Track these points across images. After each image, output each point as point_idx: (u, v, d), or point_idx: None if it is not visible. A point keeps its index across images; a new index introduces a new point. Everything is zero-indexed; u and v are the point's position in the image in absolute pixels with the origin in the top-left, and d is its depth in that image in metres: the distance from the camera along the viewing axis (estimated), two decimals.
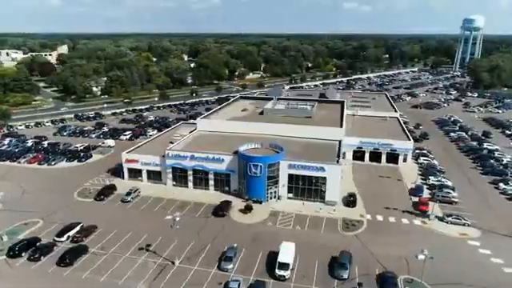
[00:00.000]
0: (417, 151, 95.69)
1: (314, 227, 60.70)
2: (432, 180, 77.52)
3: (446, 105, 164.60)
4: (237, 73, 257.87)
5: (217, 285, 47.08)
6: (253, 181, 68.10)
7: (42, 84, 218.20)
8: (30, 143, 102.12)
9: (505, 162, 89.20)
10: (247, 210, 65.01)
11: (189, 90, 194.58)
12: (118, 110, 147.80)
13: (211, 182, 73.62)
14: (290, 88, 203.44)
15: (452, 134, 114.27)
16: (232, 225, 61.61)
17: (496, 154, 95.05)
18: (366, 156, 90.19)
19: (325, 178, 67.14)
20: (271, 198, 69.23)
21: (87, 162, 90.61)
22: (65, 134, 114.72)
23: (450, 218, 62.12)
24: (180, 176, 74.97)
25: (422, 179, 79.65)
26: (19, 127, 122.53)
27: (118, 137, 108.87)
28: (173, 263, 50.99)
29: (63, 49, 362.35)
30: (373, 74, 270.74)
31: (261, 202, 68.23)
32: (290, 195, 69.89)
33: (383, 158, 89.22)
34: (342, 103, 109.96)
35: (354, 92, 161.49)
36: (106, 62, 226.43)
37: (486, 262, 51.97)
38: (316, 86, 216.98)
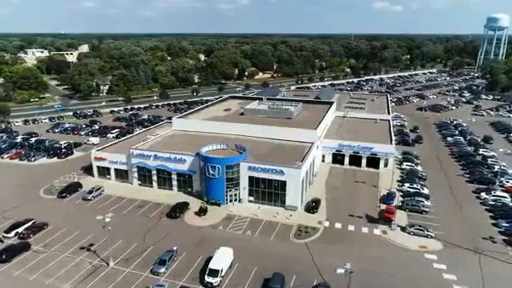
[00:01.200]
0: (403, 156, 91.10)
1: (265, 233, 58.33)
2: (407, 187, 73.18)
3: (454, 107, 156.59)
4: (246, 73, 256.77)
5: (151, 287, 45.84)
6: (211, 182, 66.44)
7: (55, 82, 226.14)
8: (19, 139, 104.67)
9: (496, 169, 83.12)
10: (201, 212, 63.43)
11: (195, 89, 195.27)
12: (116, 109, 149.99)
13: (174, 183, 72.57)
14: (296, 88, 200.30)
15: (449, 139, 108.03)
16: (182, 227, 60.20)
17: (489, 160, 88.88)
18: (346, 159, 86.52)
19: (285, 182, 64.58)
20: (231, 201, 67.36)
21: (67, 159, 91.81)
22: (57, 131, 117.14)
23: (412, 229, 58.10)
24: (145, 175, 74.35)
25: (399, 186, 75.44)
26: (17, 124, 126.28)
27: (105, 135, 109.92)
28: (108, 264, 50.22)
29: (84, 48, 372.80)
30: (386, 75, 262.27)
31: (219, 205, 66.48)
32: (251, 198, 67.73)
33: (363, 161, 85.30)
34: (330, 104, 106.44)
35: (354, 93, 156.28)
36: (114, 61, 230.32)
37: (437, 278, 48.04)
38: (324, 86, 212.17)
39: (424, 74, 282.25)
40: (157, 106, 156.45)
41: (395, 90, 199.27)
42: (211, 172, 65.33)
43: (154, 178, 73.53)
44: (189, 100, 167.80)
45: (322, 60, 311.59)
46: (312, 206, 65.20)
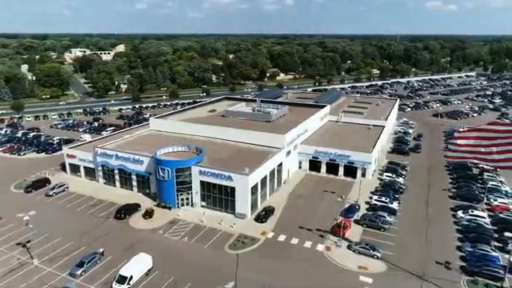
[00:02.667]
0: (387, 165, 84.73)
1: (202, 240, 56.24)
2: (374, 200, 67.60)
3: (476, 114, 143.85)
4: (268, 74, 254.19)
5: None
6: (162, 185, 65.42)
7: (84, 80, 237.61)
8: (19, 134, 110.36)
9: (489, 185, 74.61)
10: (147, 215, 62.54)
11: (212, 89, 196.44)
12: (124, 107, 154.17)
13: (134, 183, 72.43)
14: (313, 90, 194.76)
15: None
16: (123, 229, 59.62)
17: (486, 175, 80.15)
18: (323, 167, 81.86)
19: (234, 189, 61.98)
20: (183, 205, 65.87)
21: (53, 154, 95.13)
22: (59, 127, 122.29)
23: (357, 247, 53.28)
24: (109, 174, 74.94)
25: (370, 198, 69.89)
26: (27, 119, 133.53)
27: (100, 132, 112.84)
28: (33, 262, 50.74)
29: (120, 48, 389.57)
30: (416, 78, 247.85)
31: (170, 208, 65.26)
32: (204, 203, 65.85)
33: (341, 170, 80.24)
34: (321, 108, 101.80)
35: (361, 97, 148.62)
36: (139, 60, 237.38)
37: None
38: (343, 89, 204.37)
39: (460, 77, 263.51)
40: (165, 106, 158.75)
41: (418, 94, 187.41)
42: (161, 174, 64.30)
43: (117, 177, 73.89)
44: (198, 100, 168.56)
45: (353, 61, 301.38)
46: (262, 215, 62.05)
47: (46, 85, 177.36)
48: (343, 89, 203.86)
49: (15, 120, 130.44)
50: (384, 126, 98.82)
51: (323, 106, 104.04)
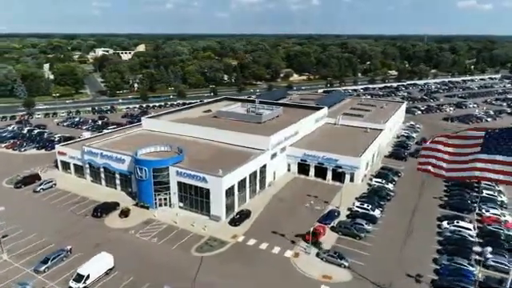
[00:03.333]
0: (379, 171, 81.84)
1: (170, 242, 55.96)
2: (356, 206, 65.27)
3: (490, 119, 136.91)
4: (282, 74, 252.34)
5: (14, 284, 46.50)
6: (141, 185, 65.71)
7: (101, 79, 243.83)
8: (25, 130, 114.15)
9: (484, 194, 70.65)
10: (122, 214, 62.91)
11: (221, 89, 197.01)
12: (131, 106, 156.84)
13: (117, 182, 73.15)
14: (324, 92, 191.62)
15: None
16: (97, 227, 60.16)
17: (482, 183, 75.82)
18: (312, 170, 79.98)
19: (209, 190, 61.41)
20: (161, 205, 65.88)
21: (52, 151, 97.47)
22: (65, 124, 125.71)
23: (325, 255, 51.49)
24: (95, 172, 76.09)
25: (353, 204, 67.54)
26: (37, 116, 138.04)
27: (101, 130, 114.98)
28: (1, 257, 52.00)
29: (141, 48, 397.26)
30: (434, 80, 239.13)
31: (148, 208, 65.42)
32: (181, 204, 65.64)
33: (329, 174, 78.13)
34: (317, 110, 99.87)
35: (366, 98, 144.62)
36: (154, 60, 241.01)
37: None
38: (355, 90, 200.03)
39: (482, 79, 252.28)
40: (171, 105, 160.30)
41: (433, 97, 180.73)
42: (139, 174, 64.57)
43: (102, 175, 74.89)
44: (205, 100, 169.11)
45: (371, 62, 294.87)
46: (237, 218, 61.19)
47: (60, 83, 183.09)
48: (355, 90, 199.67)
49: (26, 117, 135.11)
50: (382, 130, 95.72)
51: (320, 108, 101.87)
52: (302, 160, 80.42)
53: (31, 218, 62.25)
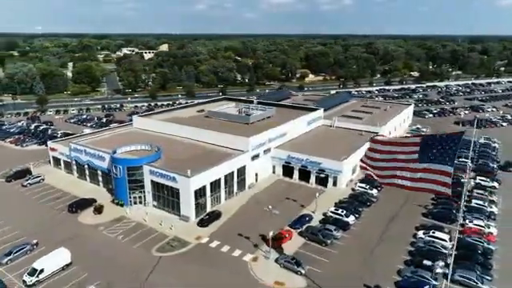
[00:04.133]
0: (365, 176, 78.84)
1: (134, 240, 56.29)
2: (330, 212, 63.18)
3: (505, 124, 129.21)
4: (298, 74, 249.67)
5: None
6: (116, 182, 66.62)
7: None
8: (32, 127, 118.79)
9: (472, 204, 66.54)
10: (96, 210, 63.94)
11: (231, 89, 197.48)
12: (139, 104, 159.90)
13: (100, 179, 74.51)
14: (336, 93, 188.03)
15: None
16: (69, 223, 61.40)
17: (475, 192, 71.60)
18: (296, 173, 78.32)
19: (179, 190, 61.36)
20: (136, 203, 66.48)
21: None
22: (72, 121, 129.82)
23: (282, 260, 50.11)
24: (81, 169, 77.89)
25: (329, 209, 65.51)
26: (49, 113, 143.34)
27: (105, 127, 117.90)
28: None
29: (164, 47, 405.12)
30: (456, 82, 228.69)
31: (122, 205, 66.20)
32: (155, 203, 65.99)
33: (312, 177, 76.20)
34: (311, 111, 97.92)
35: (372, 100, 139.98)
36: (171, 59, 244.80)
37: None
38: (369, 91, 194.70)
39: (510, 82, 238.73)
40: (179, 104, 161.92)
41: (451, 100, 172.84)
42: (115, 171, 65.50)
43: (87, 172, 76.56)
44: (213, 99, 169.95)
45: (392, 63, 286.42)
46: (205, 219, 60.79)
47: (76, 81, 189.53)
48: (370, 92, 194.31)
49: (36, 113, 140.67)
50: (377, 133, 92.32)
51: (315, 110, 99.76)
52: (286, 162, 78.93)
53: (12, 211, 64.53)
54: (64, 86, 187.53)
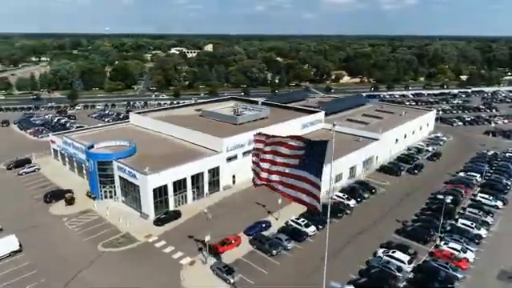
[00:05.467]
0: (349, 185, 73.68)
1: (88, 234, 57.51)
2: (291, 220, 59.72)
3: None
4: (333, 76, 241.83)
5: None
6: (90, 176, 68.78)
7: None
8: (55, 119, 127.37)
9: (458, 224, 59.11)
10: (66, 202, 66.42)
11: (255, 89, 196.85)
12: (162, 102, 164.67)
13: (85, 172, 77.40)
14: (367, 96, 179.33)
15: (460, 174, 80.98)
16: (39, 212, 64.22)
17: (468, 211, 63.59)
18: None
19: (139, 187, 61.77)
20: (107, 197, 68.14)
21: None
22: (94, 116, 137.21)
23: (215, 267, 48.09)
24: (71, 161, 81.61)
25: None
26: (78, 107, 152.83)
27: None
28: None
29: (208, 47, 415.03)
30: (507, 88, 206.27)
31: (94, 198, 68.19)
32: (123, 199, 67.09)
33: None
34: (312, 114, 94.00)
35: (389, 105, 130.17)
36: (206, 59, 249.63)
37: None
38: (403, 96, 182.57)
39: None
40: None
41: (492, 107, 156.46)
42: (87, 165, 67.70)
43: (75, 164, 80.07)
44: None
45: (436, 66, 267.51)
46: (162, 218, 60.55)
47: (113, 79, 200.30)
48: (403, 96, 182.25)
49: (65, 108, 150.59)
50: (377, 140, 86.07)
51: (314, 112, 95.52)
52: None
53: None
54: (101, 83, 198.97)
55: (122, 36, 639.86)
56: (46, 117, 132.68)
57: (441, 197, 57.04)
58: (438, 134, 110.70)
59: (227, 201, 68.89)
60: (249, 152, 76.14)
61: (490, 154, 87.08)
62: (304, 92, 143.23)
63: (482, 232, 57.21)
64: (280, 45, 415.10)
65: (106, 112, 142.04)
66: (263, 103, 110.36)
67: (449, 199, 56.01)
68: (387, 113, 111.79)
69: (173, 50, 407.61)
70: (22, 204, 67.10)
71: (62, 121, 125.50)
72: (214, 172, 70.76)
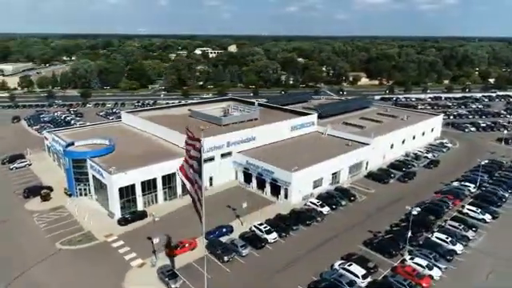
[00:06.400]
0: (326, 192, 70.48)
1: (52, 231, 57.97)
2: (254, 226, 57.73)
3: None
4: (351, 78, 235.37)
5: None
6: (66, 173, 69.88)
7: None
8: (63, 117, 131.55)
9: (433, 237, 54.87)
10: (41, 198, 67.70)
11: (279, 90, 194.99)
12: (170, 101, 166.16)
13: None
14: (381, 99, 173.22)
15: (454, 184, 75.69)
16: (15, 207, 65.76)
17: (448, 224, 58.96)
18: (254, 181, 73.55)
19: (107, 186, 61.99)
20: (81, 195, 69.01)
21: None
22: (101, 114, 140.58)
23: (160, 271, 47.11)
24: (58, 158, 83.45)
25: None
26: (88, 105, 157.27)
27: None
28: None
29: (232, 48, 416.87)
30: None
31: (70, 195, 69.22)
32: (96, 197, 67.64)
33: (267, 186, 70.75)
34: (302, 116, 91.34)
35: (394, 108, 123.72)
36: (221, 59, 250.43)
37: None
38: (420, 99, 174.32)
39: None
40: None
41: None
42: (63, 162, 68.81)
43: (61, 161, 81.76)
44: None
45: (475, 66, 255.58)
46: (126, 218, 60.37)
47: (129, 78, 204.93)
48: (420, 99, 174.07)
49: (75, 106, 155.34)
50: (367, 145, 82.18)
51: (309, 114, 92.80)
52: (245, 168, 74.58)
53: None
54: (117, 82, 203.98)
55: (155, 36, 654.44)
56: (55, 114, 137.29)
57: (408, 208, 52.91)
58: (444, 140, 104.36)
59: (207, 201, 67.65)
60: (228, 154, 75.32)
61: (483, 163, 79.75)
62: (308, 94, 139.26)
63: (458, 248, 52.77)
64: (304, 46, 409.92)
65: (114, 110, 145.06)
66: (260, 104, 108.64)
67: (415, 211, 51.75)
68: (389, 116, 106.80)
69: (197, 51, 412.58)
70: (3, 198, 69.13)
71: (68, 118, 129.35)
72: None
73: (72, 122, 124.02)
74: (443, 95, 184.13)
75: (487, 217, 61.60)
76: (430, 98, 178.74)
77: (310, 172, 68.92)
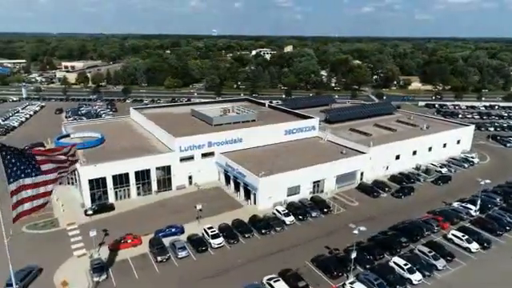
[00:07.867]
0: (300, 200, 66.35)
1: (31, 220, 62.25)
2: (203, 229, 56.43)
3: None
4: (401, 82, 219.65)
5: None
6: None
7: None
8: (97, 111, 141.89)
9: (390, 263, 48.71)
10: None
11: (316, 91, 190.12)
12: (203, 100, 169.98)
13: None
14: (425, 105, 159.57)
15: (454, 204, 66.46)
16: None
17: (417, 249, 51.82)
18: (232, 183, 72.14)
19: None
20: (69, 183, 73.44)
21: None
22: None
23: (91, 264, 48.32)
24: None
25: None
26: (128, 101, 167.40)
27: None
28: None
29: (288, 48, 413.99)
30: None
31: (60, 183, 74.01)
32: (78, 187, 71.58)
33: (241, 190, 68.95)
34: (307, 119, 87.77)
35: (417, 116, 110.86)
36: (265, 60, 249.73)
37: None
38: (472, 107, 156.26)
39: None
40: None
41: None
42: None
43: None
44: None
45: None
46: (91, 209, 63.06)
47: (173, 76, 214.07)
48: (472, 107, 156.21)
49: (113, 101, 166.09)
50: (364, 154, 75.97)
51: (309, 117, 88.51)
52: (225, 170, 73.42)
53: None
54: (163, 80, 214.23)
55: (225, 37, 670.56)
56: (93, 108, 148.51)
57: (352, 226, 47.29)
58: (471, 155, 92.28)
59: (170, 201, 68.35)
60: (210, 154, 74.93)
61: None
62: (330, 97, 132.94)
63: (415, 277, 46.21)
64: (365, 47, 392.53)
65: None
66: (269, 106, 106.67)
67: (361, 228, 45.95)
68: (408, 125, 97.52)
69: (253, 52, 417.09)
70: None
71: (101, 112, 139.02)
72: (165, 170, 70.81)
73: (103, 115, 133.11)
74: (501, 104, 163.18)
75: (473, 246, 53.08)
76: (483, 106, 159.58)
77: (283, 178, 65.53)
